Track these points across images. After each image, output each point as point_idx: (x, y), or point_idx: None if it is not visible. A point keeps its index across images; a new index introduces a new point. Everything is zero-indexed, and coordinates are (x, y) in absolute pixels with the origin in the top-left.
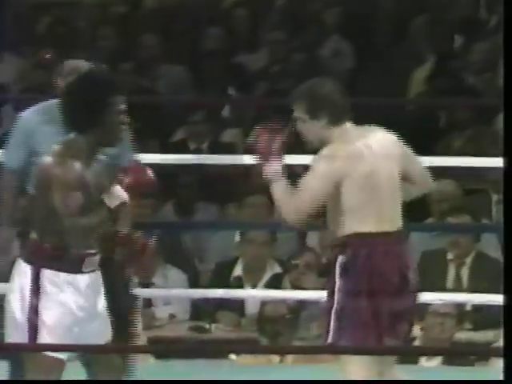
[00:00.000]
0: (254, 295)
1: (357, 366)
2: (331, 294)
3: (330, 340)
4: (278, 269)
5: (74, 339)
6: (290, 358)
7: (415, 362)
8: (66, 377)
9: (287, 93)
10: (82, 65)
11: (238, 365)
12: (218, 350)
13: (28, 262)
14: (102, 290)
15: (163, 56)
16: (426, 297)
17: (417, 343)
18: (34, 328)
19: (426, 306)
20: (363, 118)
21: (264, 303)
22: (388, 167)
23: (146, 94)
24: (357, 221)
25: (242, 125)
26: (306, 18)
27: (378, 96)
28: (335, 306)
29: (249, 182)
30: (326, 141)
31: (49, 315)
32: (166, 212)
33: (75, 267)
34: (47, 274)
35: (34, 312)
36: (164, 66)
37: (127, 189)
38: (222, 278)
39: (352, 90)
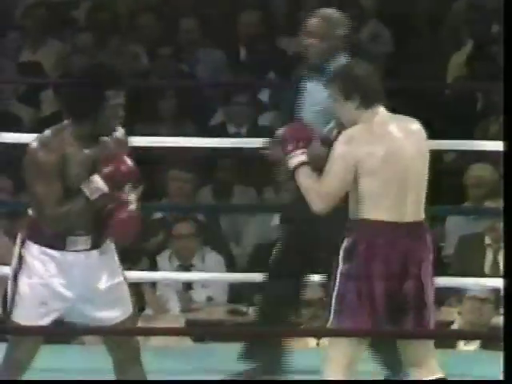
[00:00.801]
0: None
1: (339, 348)
2: (334, 277)
3: (329, 323)
4: None
5: (48, 313)
6: (327, 341)
7: (453, 346)
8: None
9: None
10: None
11: None
12: (254, 333)
13: (20, 232)
14: (105, 271)
15: (202, 40)
16: (463, 282)
17: (455, 327)
18: (12, 296)
19: (463, 290)
20: (402, 101)
21: None
22: (411, 158)
23: (185, 78)
24: (368, 207)
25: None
26: (344, 3)
27: (416, 80)
28: (336, 289)
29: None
30: (357, 122)
31: (23, 284)
32: (205, 195)
33: (57, 244)
34: (29, 246)
35: (13, 280)
36: (203, 50)
37: (105, 178)
38: (262, 260)
39: (390, 74)
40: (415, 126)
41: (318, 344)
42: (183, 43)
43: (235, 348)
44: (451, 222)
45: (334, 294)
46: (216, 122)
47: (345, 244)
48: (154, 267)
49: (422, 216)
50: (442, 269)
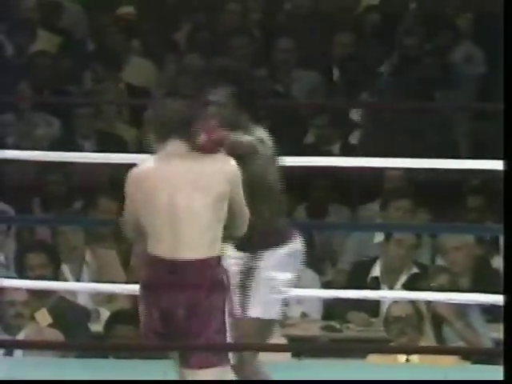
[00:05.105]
0: (384, 296)
1: None
2: None
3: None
4: (414, 269)
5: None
6: (416, 357)
7: None
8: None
9: (418, 96)
10: None
11: (366, 363)
12: (346, 349)
13: None
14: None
15: (297, 61)
16: None
17: None
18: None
19: None
20: (496, 122)
21: (393, 303)
22: (191, 195)
23: (281, 99)
24: (152, 242)
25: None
26: (438, 23)
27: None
28: None
29: (379, 184)
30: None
31: None
32: (299, 214)
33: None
34: None
35: None
36: (298, 70)
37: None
38: (359, 277)
39: (484, 95)
40: (207, 162)
41: (407, 360)
42: (279, 63)
43: (329, 364)
44: None
45: None
46: (309, 140)
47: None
48: None
49: (205, 252)
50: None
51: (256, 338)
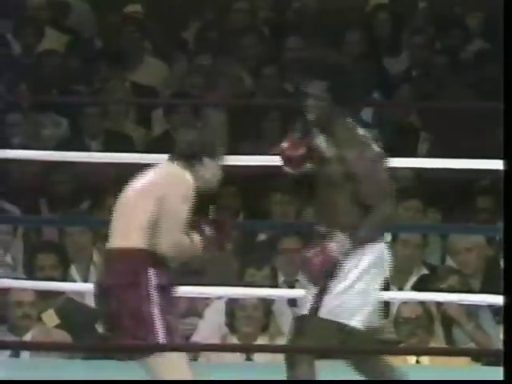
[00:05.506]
0: (394, 297)
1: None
2: None
3: None
4: (424, 270)
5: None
6: (426, 359)
7: None
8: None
9: (429, 96)
10: None
11: None
12: (355, 350)
13: None
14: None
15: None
16: None
17: None
18: None
19: None
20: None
21: (403, 304)
22: (132, 191)
23: (290, 98)
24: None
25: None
26: (448, 22)
27: None
28: None
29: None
30: None
31: None
32: (308, 214)
33: None
34: None
35: None
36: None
37: None
38: None
39: (497, 95)
40: (165, 173)
41: (417, 361)
42: (288, 62)
43: (338, 365)
44: None
45: None
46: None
47: None
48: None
49: (128, 243)
50: None
51: (324, 340)
